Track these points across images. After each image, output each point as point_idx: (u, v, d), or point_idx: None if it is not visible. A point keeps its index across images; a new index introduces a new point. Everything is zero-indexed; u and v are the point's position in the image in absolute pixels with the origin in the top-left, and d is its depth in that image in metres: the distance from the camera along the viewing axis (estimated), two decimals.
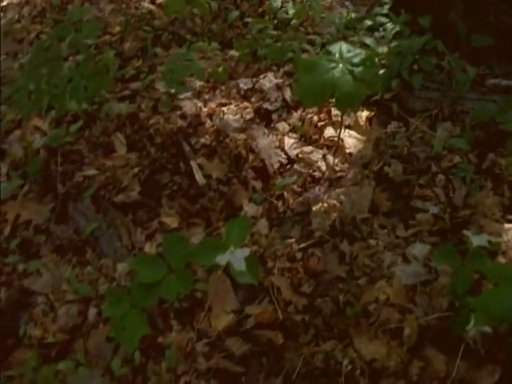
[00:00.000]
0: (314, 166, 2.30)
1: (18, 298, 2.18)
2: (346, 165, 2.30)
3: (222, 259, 1.53)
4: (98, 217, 2.33)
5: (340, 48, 1.93)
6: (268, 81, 2.69)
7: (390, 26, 2.82)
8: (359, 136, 2.39)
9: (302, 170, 2.29)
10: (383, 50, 2.67)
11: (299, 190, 2.25)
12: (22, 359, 2.00)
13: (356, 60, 1.89)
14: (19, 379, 1.95)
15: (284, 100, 2.62)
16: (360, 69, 1.87)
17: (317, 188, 2.23)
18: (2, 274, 2.24)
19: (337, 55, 1.90)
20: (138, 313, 1.69)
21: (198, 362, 1.86)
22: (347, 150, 2.34)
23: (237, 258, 1.53)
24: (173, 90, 2.51)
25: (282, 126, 2.50)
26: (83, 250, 2.26)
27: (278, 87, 2.66)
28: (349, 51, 1.92)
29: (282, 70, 2.77)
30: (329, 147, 2.36)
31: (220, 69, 2.67)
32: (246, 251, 1.54)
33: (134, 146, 2.54)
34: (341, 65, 1.87)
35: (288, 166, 2.35)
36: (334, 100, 1.86)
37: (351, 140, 2.37)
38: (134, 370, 1.90)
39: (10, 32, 3.35)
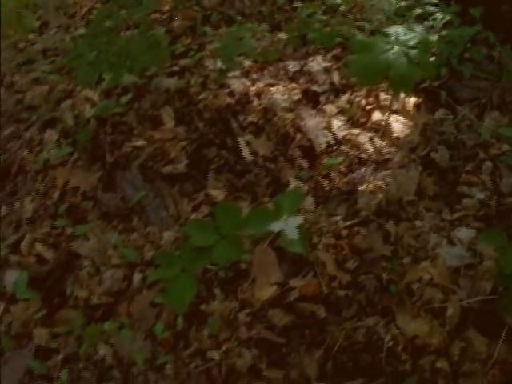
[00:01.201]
0: (360, 148, 2.32)
1: (65, 259, 2.24)
2: (393, 148, 2.31)
3: (275, 227, 1.55)
4: (145, 186, 2.38)
5: (396, 30, 1.94)
6: (316, 63, 2.71)
7: (439, 15, 2.82)
8: (406, 121, 2.40)
9: (349, 152, 2.31)
10: (433, 38, 2.67)
11: (345, 170, 2.27)
12: (68, 318, 2.07)
13: (411, 43, 1.90)
14: (65, 336, 2.01)
15: (332, 83, 2.64)
16: (415, 51, 1.89)
17: (363, 169, 2.25)
18: (50, 236, 2.31)
19: (393, 37, 1.91)
20: (188, 276, 1.72)
21: (240, 330, 1.90)
22: (394, 135, 2.35)
23: (290, 226, 1.54)
24: (223, 67, 2.54)
25: (330, 108, 2.52)
26: (130, 218, 2.32)
27: (327, 70, 2.68)
28: (405, 34, 1.94)
29: (330, 54, 2.79)
30: (376, 130, 2.38)
31: (270, 49, 2.69)
32: (300, 219, 1.56)
33: (183, 120, 2.58)
34: (396, 46, 1.88)
35: (335, 147, 2.37)
36: (387, 81, 1.88)
37: (398, 125, 2.39)
38: (176, 335, 1.95)
39: (62, 6, 3.41)
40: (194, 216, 2.22)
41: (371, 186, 2.15)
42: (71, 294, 2.11)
